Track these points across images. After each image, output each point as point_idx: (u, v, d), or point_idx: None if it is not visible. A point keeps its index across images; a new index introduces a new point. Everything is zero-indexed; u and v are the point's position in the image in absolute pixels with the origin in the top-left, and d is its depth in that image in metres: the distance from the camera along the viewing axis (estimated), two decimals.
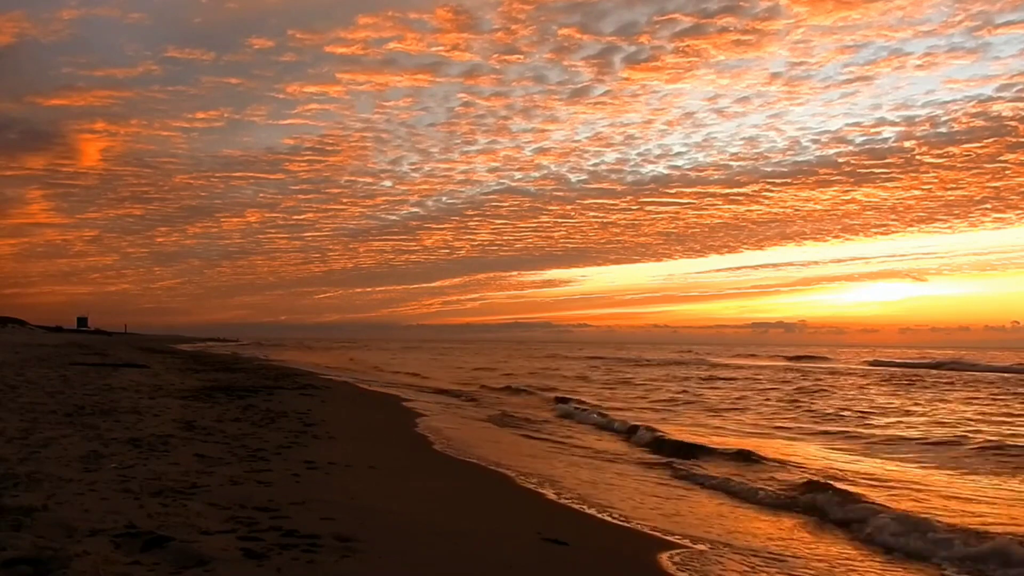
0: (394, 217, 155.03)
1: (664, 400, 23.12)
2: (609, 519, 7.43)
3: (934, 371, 45.06)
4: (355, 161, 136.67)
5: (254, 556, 4.62)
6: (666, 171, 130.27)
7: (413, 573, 4.76)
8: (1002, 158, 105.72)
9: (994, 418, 18.58)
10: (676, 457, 11.76)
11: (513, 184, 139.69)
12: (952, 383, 32.42)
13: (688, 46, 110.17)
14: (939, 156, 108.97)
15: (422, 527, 6.03)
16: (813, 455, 12.46)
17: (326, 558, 4.72)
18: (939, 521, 7.41)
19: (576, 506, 7.94)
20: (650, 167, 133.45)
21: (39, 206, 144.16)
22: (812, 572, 6.08)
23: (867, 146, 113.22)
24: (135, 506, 5.64)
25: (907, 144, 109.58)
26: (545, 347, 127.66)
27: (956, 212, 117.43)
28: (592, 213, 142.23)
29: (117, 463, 7.34)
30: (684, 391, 26.76)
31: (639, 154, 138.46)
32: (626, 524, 7.26)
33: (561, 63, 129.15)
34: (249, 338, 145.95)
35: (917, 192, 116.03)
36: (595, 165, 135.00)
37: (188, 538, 4.83)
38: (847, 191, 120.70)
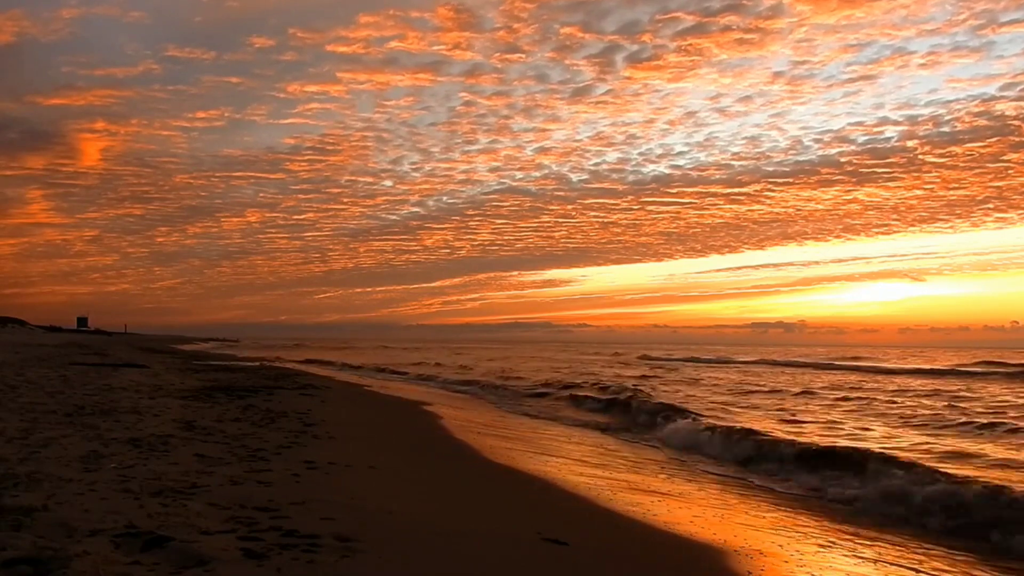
0: (394, 217, 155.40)
1: None
2: (612, 516, 7.43)
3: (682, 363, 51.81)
4: (356, 161, 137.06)
5: (254, 556, 4.62)
6: (667, 171, 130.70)
7: (413, 573, 4.76)
8: (1005, 158, 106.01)
9: None
10: None
11: (514, 184, 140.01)
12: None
13: (690, 45, 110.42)
14: (941, 156, 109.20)
15: (422, 527, 6.03)
16: None
17: (326, 558, 4.72)
18: None
19: (579, 505, 7.94)
20: (651, 167, 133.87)
21: (39, 206, 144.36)
22: None
23: (869, 145, 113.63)
24: (135, 506, 5.64)
25: (910, 143, 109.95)
26: (546, 347, 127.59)
27: (958, 212, 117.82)
28: (593, 213, 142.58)
29: (117, 463, 7.34)
30: None
31: (640, 154, 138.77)
32: (630, 521, 7.26)
33: (563, 62, 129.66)
34: (250, 338, 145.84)
35: (919, 192, 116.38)
36: (596, 165, 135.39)
37: (188, 538, 4.83)
38: (849, 191, 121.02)
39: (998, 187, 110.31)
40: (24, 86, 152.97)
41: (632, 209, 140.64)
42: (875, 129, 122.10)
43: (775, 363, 53.02)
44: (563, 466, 10.73)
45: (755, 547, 6.69)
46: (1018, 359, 52.49)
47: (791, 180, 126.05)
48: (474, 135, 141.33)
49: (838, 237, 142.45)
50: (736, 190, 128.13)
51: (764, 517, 8.32)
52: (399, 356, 59.99)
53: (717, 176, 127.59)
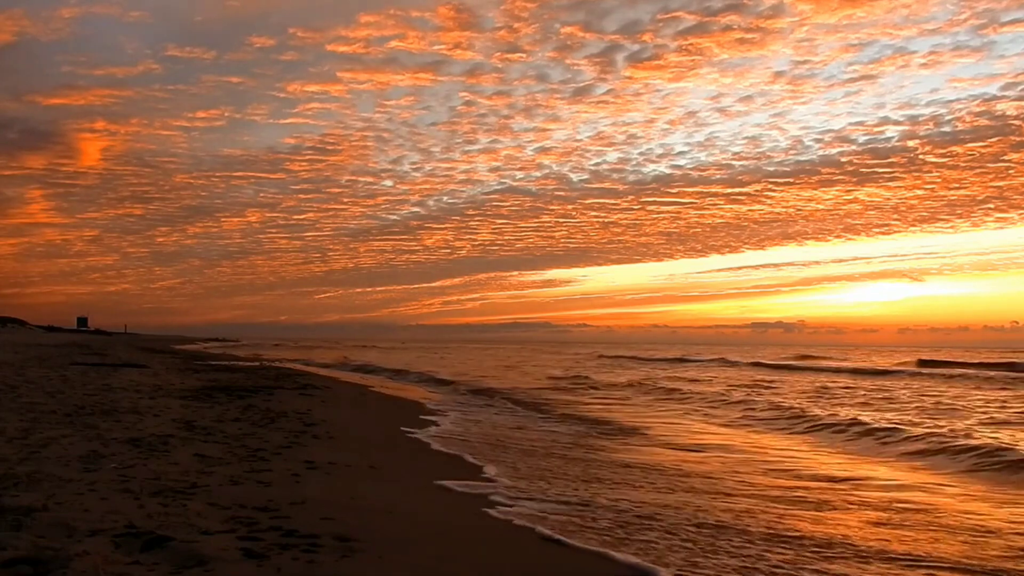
0: (395, 217, 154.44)
1: None
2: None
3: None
4: (356, 160, 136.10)
5: (254, 556, 4.62)
6: (668, 170, 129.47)
7: (413, 573, 4.76)
8: (1006, 157, 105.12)
9: None
10: None
11: (514, 184, 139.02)
12: None
13: (691, 44, 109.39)
14: (942, 155, 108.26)
15: (422, 527, 6.03)
16: None
17: (326, 558, 4.73)
18: None
19: None
20: (652, 166, 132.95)
21: (39, 206, 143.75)
22: None
23: (870, 145, 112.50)
24: (135, 506, 5.64)
25: (910, 143, 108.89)
26: (536, 347, 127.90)
27: (959, 212, 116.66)
28: (593, 213, 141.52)
29: (117, 463, 7.35)
30: None
31: (641, 153, 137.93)
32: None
33: (563, 62, 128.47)
34: (248, 338, 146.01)
35: (920, 192, 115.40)
36: (597, 164, 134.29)
37: (188, 538, 4.84)
38: (849, 191, 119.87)
39: (999, 187, 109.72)
40: (24, 86, 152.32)
41: (632, 209, 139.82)
42: (876, 129, 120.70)
43: (728, 363, 53.11)
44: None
45: None
46: (957, 358, 54.60)
47: (792, 180, 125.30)
48: (474, 135, 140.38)
49: (838, 237, 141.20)
50: (737, 190, 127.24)
51: None
52: (357, 355, 59.58)
53: (718, 176, 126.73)
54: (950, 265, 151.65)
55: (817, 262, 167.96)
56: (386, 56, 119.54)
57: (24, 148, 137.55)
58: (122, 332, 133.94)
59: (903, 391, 25.42)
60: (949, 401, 21.37)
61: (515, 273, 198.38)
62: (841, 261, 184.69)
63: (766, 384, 29.42)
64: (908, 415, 17.34)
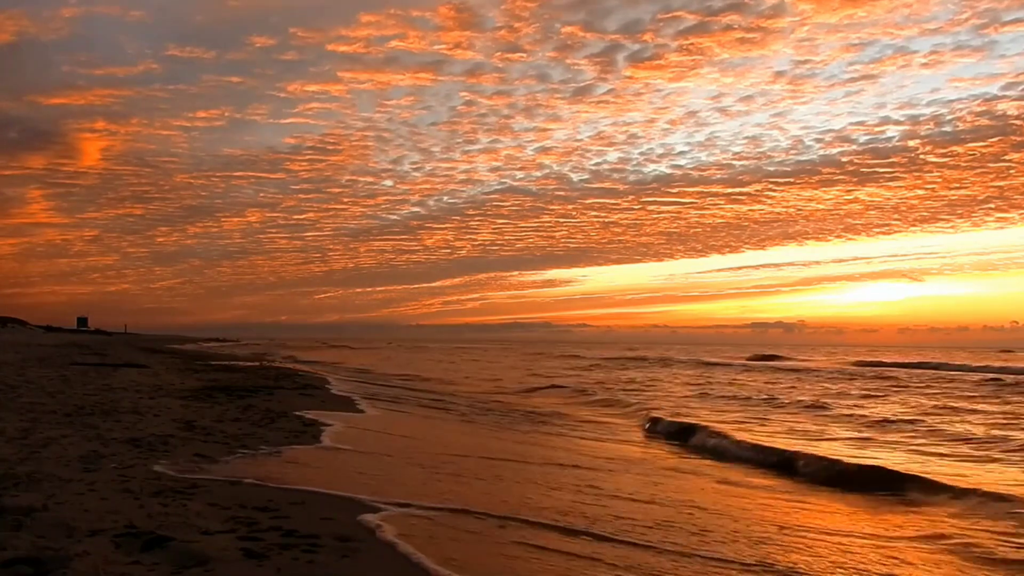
0: (395, 217, 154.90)
1: None
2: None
3: None
4: (356, 160, 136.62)
5: (254, 556, 4.63)
6: (668, 170, 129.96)
7: (413, 573, 4.77)
8: (1006, 157, 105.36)
9: None
10: None
11: (515, 183, 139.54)
12: None
13: (692, 44, 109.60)
14: (943, 155, 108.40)
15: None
16: None
17: (326, 558, 4.73)
18: None
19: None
20: (652, 166, 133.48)
21: (39, 206, 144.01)
22: None
23: (871, 145, 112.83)
24: (135, 506, 5.65)
25: (911, 143, 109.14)
26: (551, 347, 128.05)
27: (959, 212, 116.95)
28: (594, 213, 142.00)
29: (117, 463, 7.35)
30: None
31: (641, 153, 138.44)
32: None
33: (564, 61, 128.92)
34: (249, 338, 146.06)
35: (920, 192, 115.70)
36: (597, 164, 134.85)
37: (188, 538, 4.84)
38: (850, 191, 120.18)
39: (999, 187, 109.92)
40: (24, 86, 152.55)
41: (633, 209, 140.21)
42: (877, 129, 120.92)
43: (673, 360, 54.30)
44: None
45: None
46: (898, 358, 57.05)
47: (792, 180, 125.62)
48: (475, 135, 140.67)
49: (839, 237, 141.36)
50: (737, 190, 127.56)
51: None
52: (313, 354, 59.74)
53: (718, 176, 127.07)
54: (950, 265, 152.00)
55: (817, 262, 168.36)
56: (386, 56, 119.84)
57: (24, 148, 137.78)
58: (122, 332, 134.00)
59: (809, 387, 28.12)
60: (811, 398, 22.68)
61: (515, 273, 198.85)
62: (841, 261, 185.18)
63: (679, 382, 31.20)
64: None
